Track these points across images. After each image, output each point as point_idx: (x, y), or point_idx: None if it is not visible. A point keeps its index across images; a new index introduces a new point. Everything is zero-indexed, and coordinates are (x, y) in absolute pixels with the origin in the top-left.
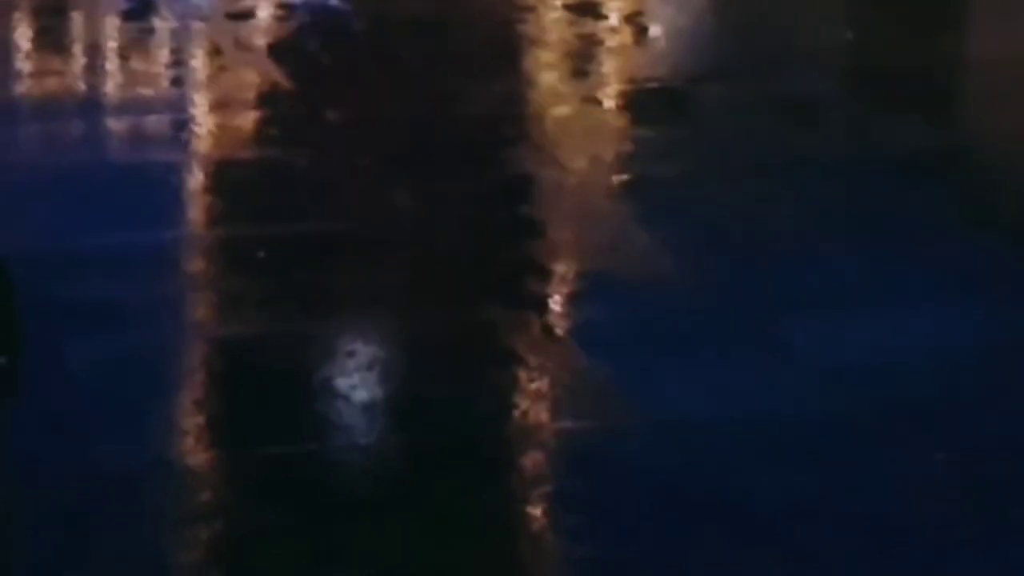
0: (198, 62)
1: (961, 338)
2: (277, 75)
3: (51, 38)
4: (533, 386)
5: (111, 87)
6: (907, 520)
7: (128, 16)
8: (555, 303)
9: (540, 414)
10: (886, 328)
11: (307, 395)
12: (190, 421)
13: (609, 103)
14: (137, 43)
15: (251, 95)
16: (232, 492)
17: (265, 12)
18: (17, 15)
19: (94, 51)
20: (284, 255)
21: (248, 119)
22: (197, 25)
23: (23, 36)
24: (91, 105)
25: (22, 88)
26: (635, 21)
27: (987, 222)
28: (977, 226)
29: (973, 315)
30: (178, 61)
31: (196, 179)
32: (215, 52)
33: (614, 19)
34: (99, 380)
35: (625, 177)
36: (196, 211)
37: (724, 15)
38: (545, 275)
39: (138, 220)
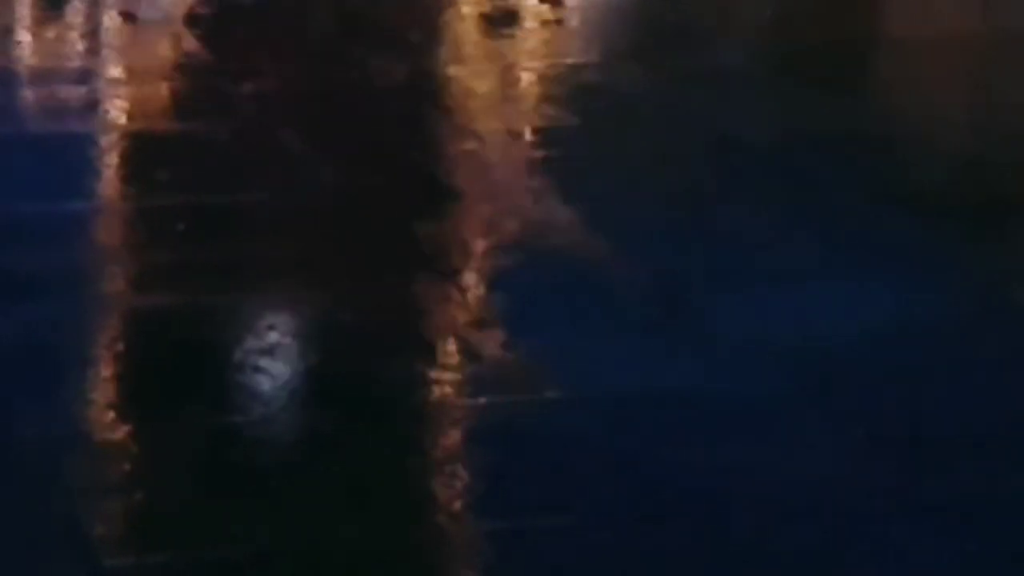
0: (113, 32)
1: (882, 314)
2: (193, 46)
3: None
4: (453, 360)
5: (25, 57)
6: (825, 495)
7: None
8: (475, 278)
9: (460, 388)
10: (808, 304)
11: (225, 367)
12: (107, 392)
13: (529, 78)
14: (51, 13)
15: (167, 66)
16: (148, 464)
17: None
18: None
19: (6, 20)
20: (203, 227)
21: (164, 90)
22: None
23: None
24: (5, 76)
25: None
26: None
27: (908, 199)
28: (898, 203)
29: (893, 292)
30: (93, 31)
31: (114, 150)
32: (131, 23)
33: None
34: (16, 351)
35: (546, 153)
36: (114, 182)
37: None
38: (465, 249)
39: (55, 191)
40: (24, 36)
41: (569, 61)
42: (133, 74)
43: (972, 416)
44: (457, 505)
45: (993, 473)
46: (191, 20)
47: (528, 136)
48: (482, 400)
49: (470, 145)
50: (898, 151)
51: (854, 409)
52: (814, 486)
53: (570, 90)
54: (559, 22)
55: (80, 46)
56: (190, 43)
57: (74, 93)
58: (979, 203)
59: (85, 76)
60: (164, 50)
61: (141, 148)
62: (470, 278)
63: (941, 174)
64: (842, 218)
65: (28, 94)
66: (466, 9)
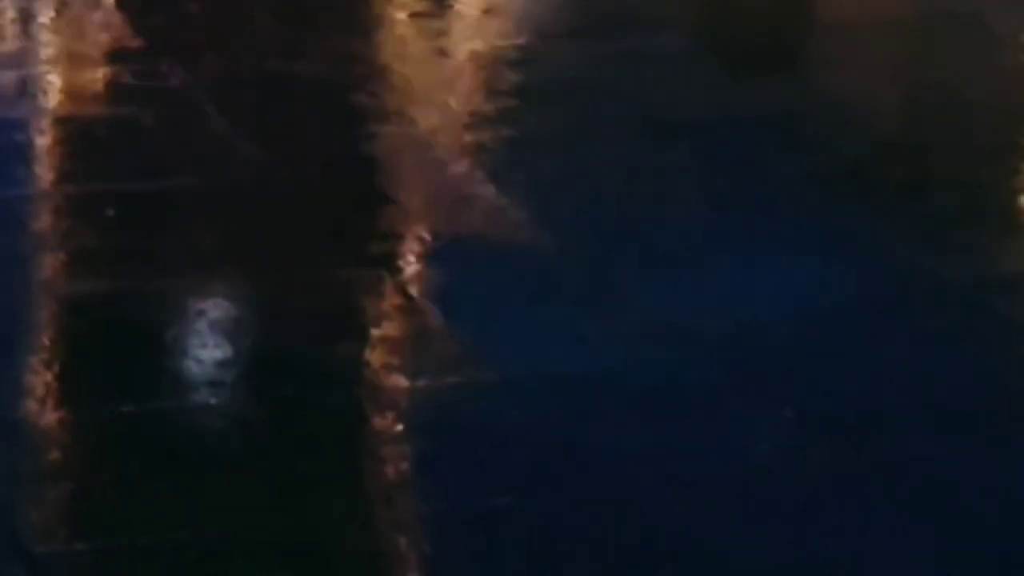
0: (45, 16)
1: (811, 296)
2: (125, 31)
3: None
4: (387, 345)
5: None
6: (754, 477)
7: None
8: (407, 262)
9: (395, 372)
10: (737, 286)
11: (157, 353)
12: (38, 380)
13: (460, 61)
14: None
15: (99, 51)
16: (80, 451)
17: None
18: None
19: None
20: (133, 212)
21: (96, 75)
22: None
23: None
24: None
25: None
26: None
27: (837, 182)
28: (827, 186)
29: (822, 273)
30: (24, 15)
31: (43, 136)
32: (62, 6)
33: None
34: None
35: (477, 135)
36: (44, 168)
37: None
38: (397, 233)
39: None
40: None
41: (501, 43)
42: (63, 59)
43: (900, 391)
44: (393, 488)
45: (922, 447)
46: (121, 3)
47: (460, 119)
48: (415, 383)
49: (402, 129)
50: (828, 132)
51: (784, 388)
52: (746, 466)
53: (502, 72)
54: (491, 4)
55: (10, 30)
56: (120, 27)
57: (3, 78)
58: (906, 182)
59: (13, 60)
60: (94, 35)
61: (71, 133)
62: (402, 262)
63: (870, 154)
64: (771, 198)
65: None
66: None
